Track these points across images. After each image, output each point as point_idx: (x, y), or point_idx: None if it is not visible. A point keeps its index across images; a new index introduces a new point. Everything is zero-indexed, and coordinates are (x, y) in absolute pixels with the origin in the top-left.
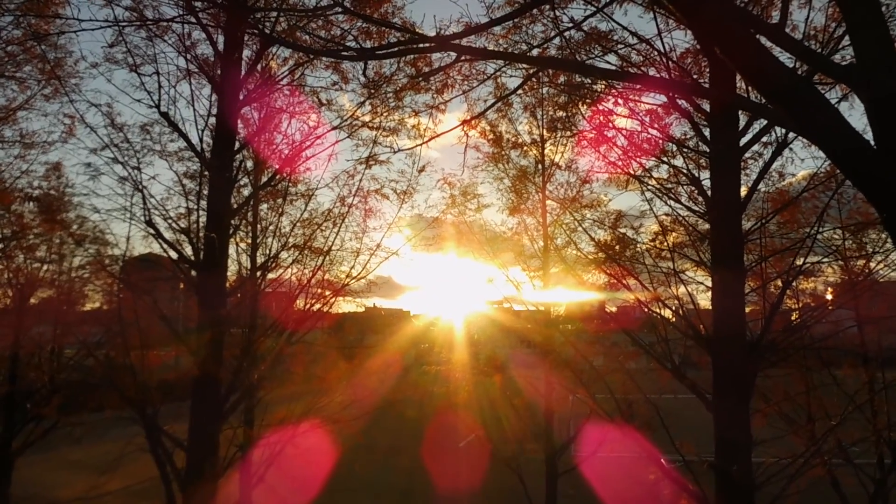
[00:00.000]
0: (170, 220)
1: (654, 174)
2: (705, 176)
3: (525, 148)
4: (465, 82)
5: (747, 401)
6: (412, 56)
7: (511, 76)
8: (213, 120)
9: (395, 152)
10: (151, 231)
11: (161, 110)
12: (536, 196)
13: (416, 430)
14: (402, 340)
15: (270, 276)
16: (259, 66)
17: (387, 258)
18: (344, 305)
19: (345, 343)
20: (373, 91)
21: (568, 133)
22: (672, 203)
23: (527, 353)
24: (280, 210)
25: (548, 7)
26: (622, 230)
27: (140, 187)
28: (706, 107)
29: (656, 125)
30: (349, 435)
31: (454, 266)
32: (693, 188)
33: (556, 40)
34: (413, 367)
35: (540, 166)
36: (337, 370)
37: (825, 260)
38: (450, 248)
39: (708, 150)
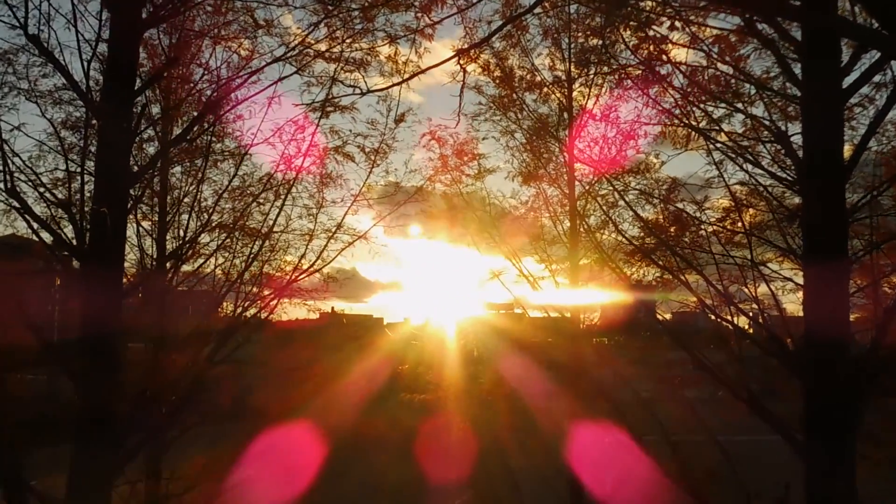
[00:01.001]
0: (42, 189)
1: (725, 127)
2: (795, 130)
3: (545, 90)
4: None
5: (851, 443)
6: None
7: None
8: (103, 47)
9: (362, 95)
10: (14, 203)
11: (29, 32)
12: (561, 157)
13: (393, 484)
14: (374, 359)
15: (186, 268)
16: None
17: (351, 244)
18: (292, 310)
19: (293, 363)
20: (330, 6)
21: (605, 69)
22: (749, 167)
23: (546, 377)
24: (200, 175)
25: None
26: (679, 205)
27: None
28: (797, 34)
29: (727, 58)
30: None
31: (446, 256)
32: (778, 146)
33: None
34: (389, 396)
35: (566, 116)
36: (282, 400)
37: None
38: (440, 230)
39: (799, 95)
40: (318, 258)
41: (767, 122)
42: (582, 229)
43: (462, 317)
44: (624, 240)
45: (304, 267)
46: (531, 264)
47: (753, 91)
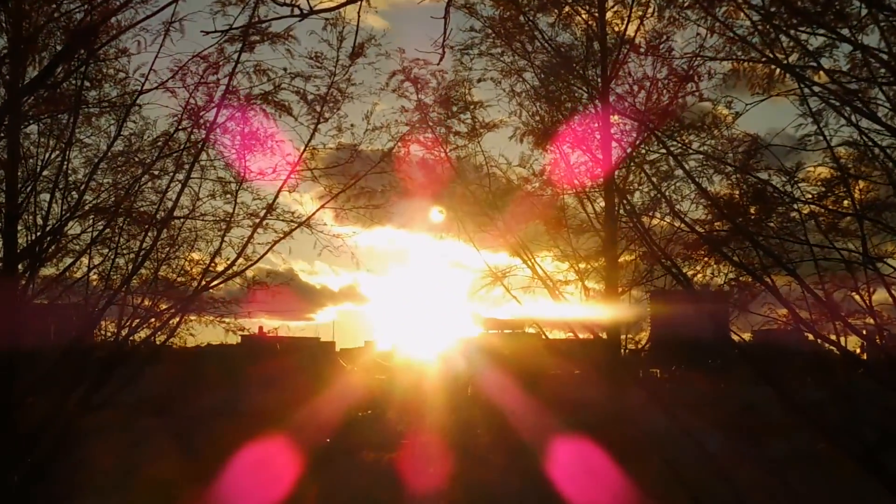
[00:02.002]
0: None
1: (824, 63)
2: None
3: (566, 9)
4: None
5: None
6: None
7: None
8: None
9: (302, 17)
10: None
11: None
12: (590, 107)
13: None
14: (319, 399)
15: (47, 271)
16: None
17: (287, 235)
18: (202, 332)
19: (200, 406)
20: None
21: None
22: (860, 120)
23: (571, 424)
24: (67, 137)
25: None
26: (761, 175)
27: None
28: None
29: None
30: None
31: (427, 253)
32: None
33: None
34: (340, 456)
35: (596, 47)
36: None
37: None
38: (418, 215)
39: None
40: (238, 255)
41: (885, 57)
42: (622, 211)
43: (450, 340)
44: (683, 226)
45: (219, 268)
46: (549, 263)
47: (865, 11)
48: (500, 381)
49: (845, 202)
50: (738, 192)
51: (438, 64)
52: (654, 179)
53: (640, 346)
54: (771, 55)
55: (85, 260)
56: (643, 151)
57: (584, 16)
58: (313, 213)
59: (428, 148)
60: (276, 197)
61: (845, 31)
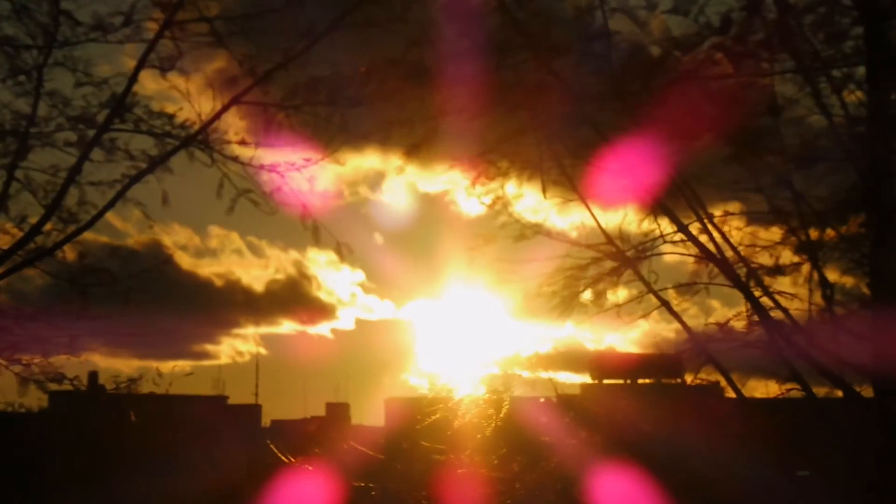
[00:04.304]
0: None
1: None
2: None
3: None
4: None
5: None
6: None
7: None
8: None
9: None
10: None
11: None
12: None
13: None
14: None
15: None
16: None
17: (158, 164)
18: None
19: None
20: None
21: None
22: None
23: None
24: None
25: None
26: None
27: None
28: None
29: None
30: None
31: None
32: None
33: None
34: None
35: None
36: None
37: None
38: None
39: None
40: (52, 209)
41: None
42: None
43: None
44: None
45: None
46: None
47: None
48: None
49: None
50: None
51: None
52: None
53: None
54: None
55: None
56: None
57: None
58: (217, 115)
59: None
60: (132, 81)
61: None
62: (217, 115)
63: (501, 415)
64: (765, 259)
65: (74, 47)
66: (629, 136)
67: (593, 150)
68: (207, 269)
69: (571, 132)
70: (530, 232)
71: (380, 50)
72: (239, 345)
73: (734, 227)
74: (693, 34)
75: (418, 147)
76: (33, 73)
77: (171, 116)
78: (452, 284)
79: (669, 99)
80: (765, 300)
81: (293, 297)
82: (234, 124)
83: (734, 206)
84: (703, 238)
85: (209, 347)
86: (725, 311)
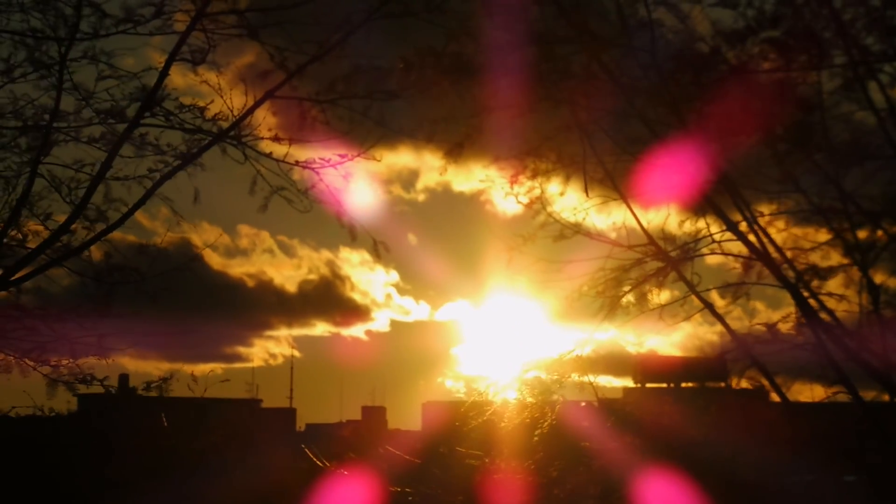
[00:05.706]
0: None
1: None
2: None
3: None
4: None
5: None
6: None
7: None
8: None
9: None
10: None
11: None
12: None
13: None
14: None
15: None
16: None
17: (191, 160)
18: None
19: None
20: None
21: None
22: None
23: None
24: None
25: None
26: None
27: None
28: None
29: None
30: None
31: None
32: None
33: None
34: None
35: None
36: None
37: None
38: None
39: None
40: (80, 209)
41: None
42: None
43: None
44: None
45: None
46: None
47: None
48: None
49: None
50: None
51: None
52: None
53: None
54: None
55: None
56: None
57: None
58: (250, 111)
59: None
60: (163, 74)
61: None
62: (251, 110)
63: (540, 419)
64: (811, 260)
65: (96, 40)
66: (677, 132)
67: (641, 146)
68: (238, 268)
69: (619, 128)
70: (570, 232)
71: (418, 42)
72: (272, 347)
73: (779, 229)
74: (742, 28)
75: (461, 146)
76: (55, 66)
77: (202, 109)
78: (490, 286)
79: (718, 94)
80: (811, 301)
81: (326, 298)
82: (266, 120)
83: (776, 207)
84: (752, 238)
85: (241, 349)
86: (769, 313)
